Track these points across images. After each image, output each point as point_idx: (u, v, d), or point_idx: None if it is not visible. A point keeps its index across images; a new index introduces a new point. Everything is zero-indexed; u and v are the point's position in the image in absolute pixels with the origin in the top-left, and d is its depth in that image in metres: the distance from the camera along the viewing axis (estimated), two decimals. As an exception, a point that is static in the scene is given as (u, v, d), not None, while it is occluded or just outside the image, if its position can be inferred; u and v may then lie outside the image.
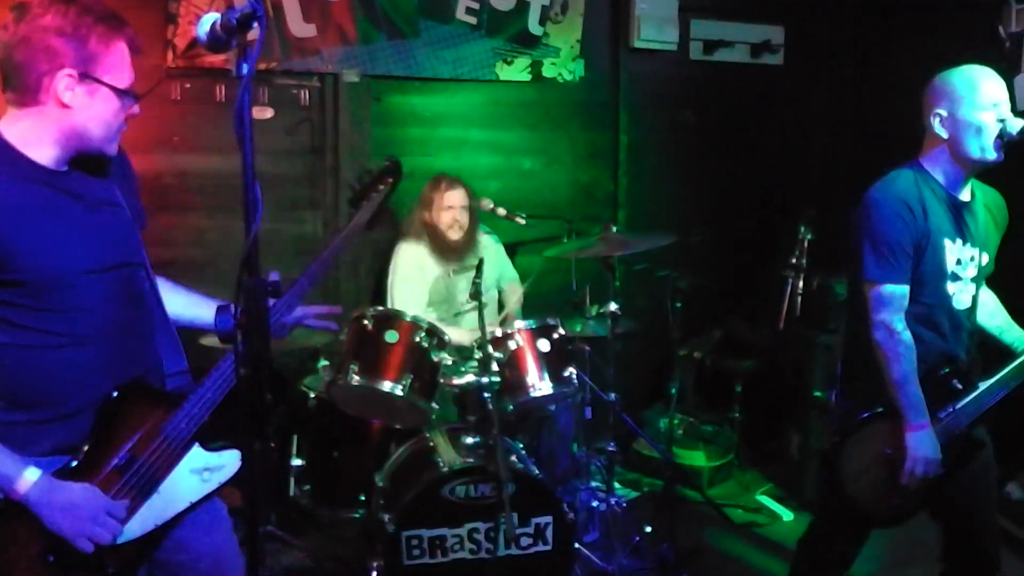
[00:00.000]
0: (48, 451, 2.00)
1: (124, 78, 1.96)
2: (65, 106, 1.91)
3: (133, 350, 2.13)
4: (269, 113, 4.42)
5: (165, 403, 2.11)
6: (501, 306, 4.44)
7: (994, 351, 2.84)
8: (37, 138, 1.94)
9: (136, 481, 2.05)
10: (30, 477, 1.91)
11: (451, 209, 4.16)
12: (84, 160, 2.03)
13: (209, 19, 1.42)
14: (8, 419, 2.00)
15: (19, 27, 1.87)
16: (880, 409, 2.67)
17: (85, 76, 1.89)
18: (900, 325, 2.60)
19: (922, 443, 2.59)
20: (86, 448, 2.02)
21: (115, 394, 2.04)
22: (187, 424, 2.09)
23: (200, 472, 2.15)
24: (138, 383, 2.09)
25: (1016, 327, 2.86)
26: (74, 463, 2.01)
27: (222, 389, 2.11)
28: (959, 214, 2.67)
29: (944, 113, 2.61)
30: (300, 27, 4.37)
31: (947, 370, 2.66)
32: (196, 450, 2.14)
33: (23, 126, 1.93)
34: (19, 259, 1.91)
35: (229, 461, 2.18)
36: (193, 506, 2.16)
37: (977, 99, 2.57)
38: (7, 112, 1.95)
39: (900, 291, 2.61)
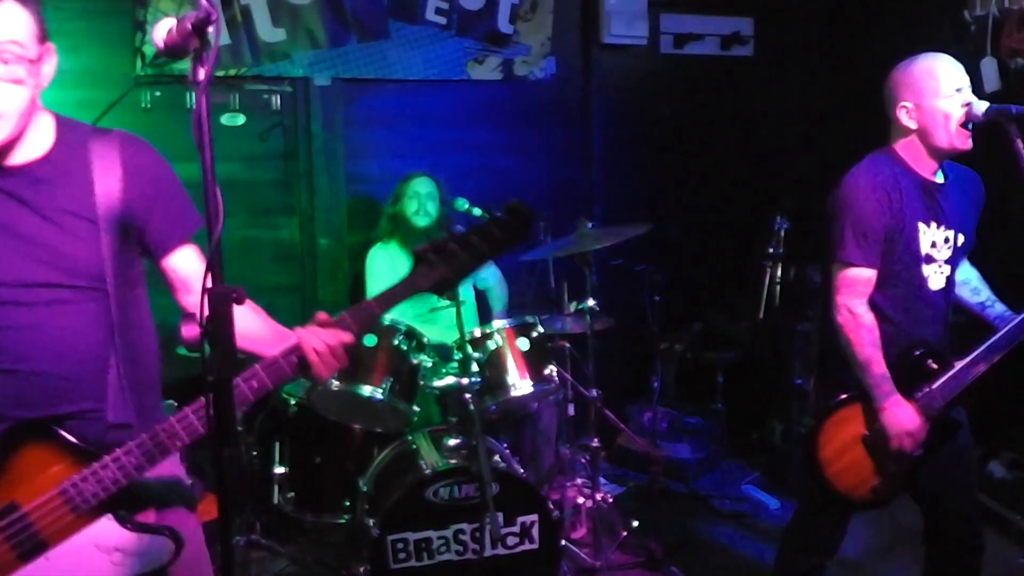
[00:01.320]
0: None
1: None
2: None
3: (65, 387, 1.82)
4: (241, 119, 4.39)
5: (74, 456, 1.78)
6: (480, 306, 4.44)
7: (969, 331, 2.86)
8: None
9: (12, 534, 1.74)
10: None
11: (416, 196, 4.16)
12: (59, 160, 1.82)
13: (165, 24, 1.40)
14: None
15: None
16: (854, 392, 2.69)
17: None
18: (861, 308, 2.64)
19: (897, 417, 2.60)
20: None
21: (11, 427, 1.77)
22: (95, 486, 1.75)
23: (110, 551, 1.78)
24: (49, 424, 1.79)
25: (999, 303, 2.88)
26: None
27: (150, 456, 1.77)
28: (933, 197, 2.70)
29: (910, 105, 2.64)
30: (269, 31, 4.35)
31: (921, 351, 2.68)
32: (108, 523, 1.79)
33: None
34: None
35: (154, 549, 1.80)
36: None
37: (940, 87, 2.60)
38: None
39: (867, 275, 2.64)
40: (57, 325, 1.81)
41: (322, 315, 1.85)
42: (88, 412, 1.84)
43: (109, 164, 1.85)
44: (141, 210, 1.88)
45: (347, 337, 1.82)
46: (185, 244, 1.98)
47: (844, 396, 2.71)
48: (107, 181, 1.84)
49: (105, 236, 1.82)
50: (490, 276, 4.49)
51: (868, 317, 2.63)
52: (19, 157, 1.79)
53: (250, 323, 1.96)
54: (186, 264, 1.99)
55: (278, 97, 4.49)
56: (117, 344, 1.86)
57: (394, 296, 1.84)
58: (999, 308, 2.86)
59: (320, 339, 1.79)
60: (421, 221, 4.15)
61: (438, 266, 1.81)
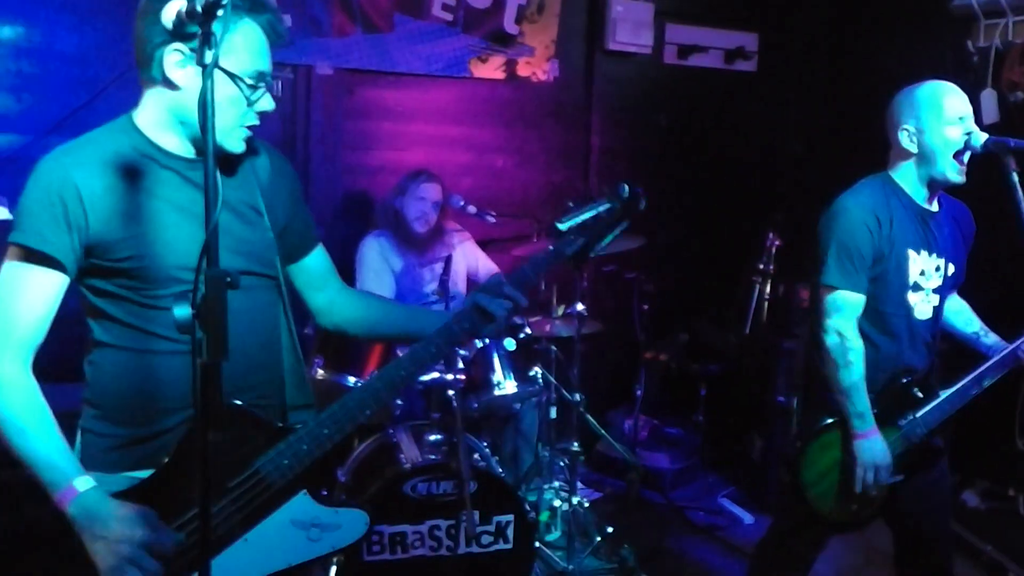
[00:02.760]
0: (135, 465, 1.79)
1: (247, 63, 1.76)
2: (173, 85, 1.75)
3: (251, 371, 1.89)
4: (241, 103, 4.38)
5: (267, 433, 1.82)
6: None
7: (956, 359, 2.87)
8: (157, 120, 1.80)
9: (215, 518, 1.72)
10: (79, 486, 1.65)
11: (422, 201, 4.11)
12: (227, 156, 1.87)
13: (175, 6, 1.41)
14: (101, 431, 1.82)
15: None
16: (840, 416, 2.70)
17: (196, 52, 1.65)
18: (852, 332, 2.64)
19: (869, 450, 2.62)
20: (165, 462, 1.75)
21: (238, 402, 1.80)
22: (290, 461, 1.80)
23: (307, 527, 1.81)
24: (242, 406, 1.82)
25: (992, 333, 2.90)
26: (147, 481, 1.74)
27: (342, 430, 1.84)
28: (926, 225, 2.71)
29: (911, 128, 2.65)
30: (274, 17, 4.34)
31: (908, 379, 2.70)
32: (303, 498, 1.83)
33: (147, 108, 1.80)
34: (126, 243, 1.74)
35: (348, 522, 1.85)
36: (293, 571, 1.84)
37: (943, 114, 2.61)
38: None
39: (856, 299, 2.65)
40: (247, 311, 1.85)
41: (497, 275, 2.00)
42: (268, 396, 1.93)
43: (261, 163, 1.95)
44: (284, 212, 2.00)
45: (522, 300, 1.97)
46: (317, 244, 2.13)
47: (830, 420, 2.72)
48: (262, 177, 1.94)
49: (270, 227, 1.93)
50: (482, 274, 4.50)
51: (857, 342, 2.64)
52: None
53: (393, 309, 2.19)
54: (318, 263, 2.13)
55: (279, 83, 4.47)
56: (291, 330, 1.98)
57: (544, 262, 2.01)
58: (992, 338, 2.88)
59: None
60: (419, 228, 4.11)
61: (578, 238, 1.99)
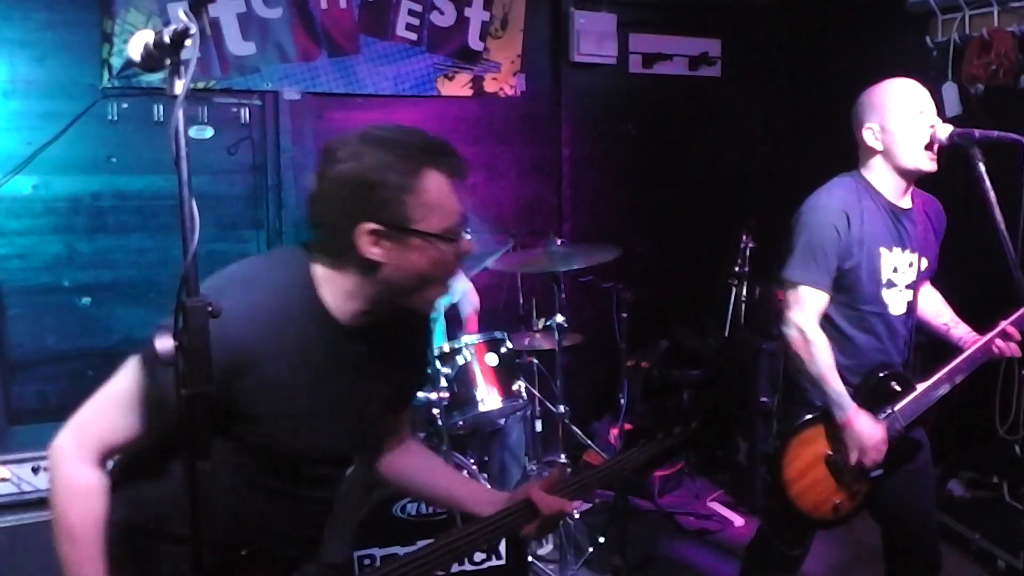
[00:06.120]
0: None
1: (436, 218, 1.63)
2: (373, 263, 1.62)
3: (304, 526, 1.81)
4: (209, 132, 4.37)
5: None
6: (448, 320, 4.44)
7: (932, 352, 2.90)
8: (346, 296, 1.67)
9: None
10: None
11: None
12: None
13: (141, 37, 1.39)
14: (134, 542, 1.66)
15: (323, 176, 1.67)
16: (819, 412, 2.72)
17: (391, 226, 1.60)
18: (811, 326, 2.66)
19: (858, 431, 2.63)
20: None
21: (243, 553, 1.69)
22: None
23: None
24: (266, 548, 1.73)
25: (962, 324, 2.92)
26: None
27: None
28: (898, 221, 2.73)
29: (875, 126, 2.68)
30: (239, 45, 4.33)
31: (885, 373, 2.72)
32: None
33: (335, 285, 1.67)
34: (262, 423, 1.62)
35: None
36: None
37: (905, 109, 2.65)
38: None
39: (814, 295, 2.67)
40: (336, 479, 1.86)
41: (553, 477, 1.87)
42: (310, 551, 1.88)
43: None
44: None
45: (570, 508, 1.85)
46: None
47: (809, 416, 2.74)
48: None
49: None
50: (459, 290, 4.50)
51: (817, 335, 2.66)
52: None
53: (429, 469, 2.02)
54: (406, 417, 2.06)
55: (247, 111, 4.48)
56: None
57: (621, 469, 1.95)
58: (962, 329, 2.90)
59: (549, 505, 1.79)
60: None
61: (651, 450, 1.96)
